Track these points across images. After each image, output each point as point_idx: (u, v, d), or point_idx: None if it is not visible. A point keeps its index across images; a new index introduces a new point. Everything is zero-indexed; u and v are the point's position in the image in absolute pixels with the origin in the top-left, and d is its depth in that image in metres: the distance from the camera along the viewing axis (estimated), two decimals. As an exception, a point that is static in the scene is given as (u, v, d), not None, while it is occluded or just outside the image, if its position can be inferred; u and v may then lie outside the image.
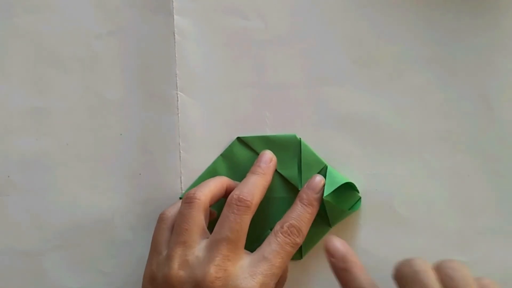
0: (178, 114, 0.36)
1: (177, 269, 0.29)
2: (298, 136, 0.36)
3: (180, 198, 0.36)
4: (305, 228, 0.32)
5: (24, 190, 0.37)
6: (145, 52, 0.37)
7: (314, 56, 0.36)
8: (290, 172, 0.35)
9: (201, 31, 0.37)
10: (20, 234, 0.36)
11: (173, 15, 0.36)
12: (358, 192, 0.35)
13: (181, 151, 0.36)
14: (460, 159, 0.35)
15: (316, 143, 0.36)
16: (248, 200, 0.30)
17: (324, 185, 0.33)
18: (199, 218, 0.30)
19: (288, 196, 0.35)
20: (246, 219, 0.30)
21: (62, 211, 0.36)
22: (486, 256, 0.35)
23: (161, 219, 0.32)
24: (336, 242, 0.29)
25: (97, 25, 0.37)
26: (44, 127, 0.37)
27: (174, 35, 0.36)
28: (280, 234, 0.31)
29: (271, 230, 0.34)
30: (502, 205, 0.35)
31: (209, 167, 0.36)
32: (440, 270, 0.25)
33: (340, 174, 0.35)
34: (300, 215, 0.32)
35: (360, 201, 0.35)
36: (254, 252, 0.30)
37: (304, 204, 0.32)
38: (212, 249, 0.29)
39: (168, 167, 0.36)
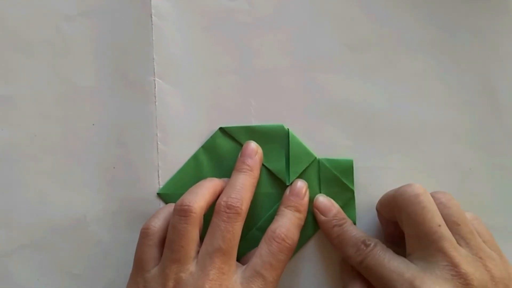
0: (155, 102, 0.35)
1: None
2: (285, 127, 0.35)
3: (158, 194, 0.35)
4: (297, 234, 0.32)
5: (-13, 185, 0.36)
6: (120, 35, 0.36)
7: (303, 39, 0.36)
8: (277, 166, 0.34)
9: (181, 13, 0.36)
10: (-17, 233, 0.36)
11: (150, -5, 0.36)
12: (353, 187, 0.34)
13: (158, 143, 0.35)
14: (461, 152, 0.35)
15: (305, 134, 0.35)
16: (237, 206, 0.30)
17: (307, 190, 0.33)
18: (195, 233, 0.30)
19: (275, 191, 0.34)
20: (238, 227, 0.30)
21: (30, 208, 0.35)
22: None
23: (145, 234, 0.31)
24: (325, 201, 0.33)
25: (67, 6, 0.36)
26: (10, 116, 0.36)
27: (151, 17, 0.35)
28: (271, 242, 0.30)
29: (256, 228, 0.34)
30: (505, 202, 0.35)
31: (189, 160, 0.35)
32: (435, 198, 0.30)
33: (333, 170, 0.34)
34: (291, 220, 0.32)
35: (354, 198, 0.34)
36: (246, 265, 0.30)
37: (291, 210, 0.32)
38: (205, 262, 0.29)
39: (145, 160, 0.35)
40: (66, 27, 0.36)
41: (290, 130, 0.34)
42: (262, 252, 0.30)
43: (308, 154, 0.34)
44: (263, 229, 0.33)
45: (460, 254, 0.27)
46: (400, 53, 0.35)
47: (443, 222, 0.28)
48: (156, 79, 0.35)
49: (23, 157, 0.35)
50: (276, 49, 0.35)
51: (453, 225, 0.29)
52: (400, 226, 0.30)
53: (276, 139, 0.34)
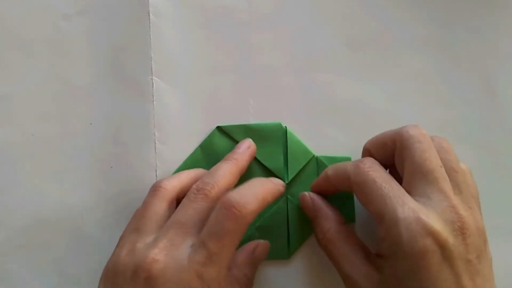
0: (153, 101, 0.35)
1: (124, 256, 0.28)
2: (283, 125, 0.35)
3: (155, 193, 0.34)
4: (254, 204, 0.27)
5: (-16, 185, 0.36)
6: (118, 34, 0.36)
7: (302, 39, 0.36)
8: (275, 164, 0.34)
9: (179, 11, 0.36)
10: (-21, 233, 0.35)
11: (148, -7, 0.36)
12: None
13: (156, 142, 0.35)
14: (461, 151, 0.34)
15: (303, 132, 0.35)
16: (206, 189, 0.29)
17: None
18: (160, 208, 0.30)
19: (273, 190, 0.33)
20: (203, 206, 0.29)
21: (27, 208, 0.35)
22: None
23: (133, 216, 0.32)
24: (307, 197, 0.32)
25: (64, 4, 0.36)
26: (7, 115, 0.35)
27: (149, 15, 0.35)
28: (219, 209, 0.27)
29: (255, 228, 0.33)
30: (505, 202, 0.34)
31: (187, 159, 0.35)
32: (435, 141, 0.29)
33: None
34: (253, 188, 0.28)
35: (353, 196, 0.34)
36: None
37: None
38: (160, 234, 0.28)
39: (142, 159, 0.35)
40: (64, 26, 0.36)
41: (288, 128, 0.34)
42: (209, 220, 0.27)
43: (306, 151, 0.34)
44: (262, 229, 0.33)
45: (456, 200, 0.27)
46: (400, 52, 0.35)
47: (443, 165, 0.28)
48: (154, 78, 0.35)
49: (20, 157, 0.35)
50: (275, 48, 0.35)
51: (451, 171, 0.28)
52: (396, 164, 0.29)
53: (274, 137, 0.34)
